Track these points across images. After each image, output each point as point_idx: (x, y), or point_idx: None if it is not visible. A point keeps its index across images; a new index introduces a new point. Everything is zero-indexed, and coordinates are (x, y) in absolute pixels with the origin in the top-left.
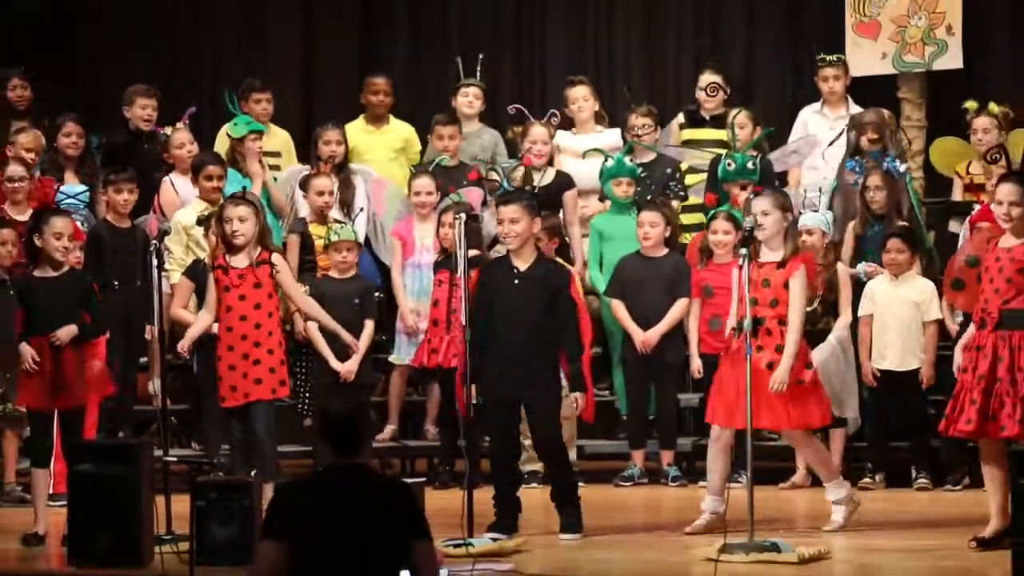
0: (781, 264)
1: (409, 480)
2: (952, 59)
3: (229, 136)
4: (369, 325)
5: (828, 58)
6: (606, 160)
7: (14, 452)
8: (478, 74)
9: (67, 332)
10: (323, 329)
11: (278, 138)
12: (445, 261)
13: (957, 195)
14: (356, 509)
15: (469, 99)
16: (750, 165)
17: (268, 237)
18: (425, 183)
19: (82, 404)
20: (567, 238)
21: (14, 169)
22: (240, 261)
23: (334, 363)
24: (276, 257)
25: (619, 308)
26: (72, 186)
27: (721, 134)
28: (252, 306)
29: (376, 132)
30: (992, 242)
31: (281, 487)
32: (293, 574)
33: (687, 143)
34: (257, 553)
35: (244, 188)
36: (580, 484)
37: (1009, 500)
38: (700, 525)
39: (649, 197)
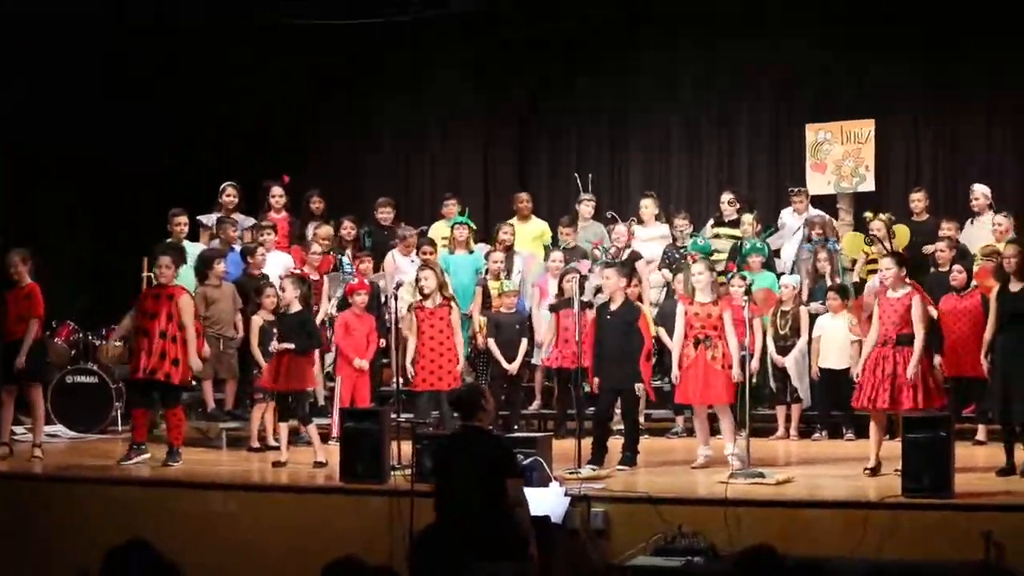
0: (714, 303)
1: (542, 434)
2: (868, 185)
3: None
4: (524, 342)
5: (795, 189)
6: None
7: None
8: (590, 188)
9: None
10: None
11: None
12: (564, 303)
13: (859, 266)
14: (467, 454)
15: (588, 207)
16: (759, 244)
17: (445, 289)
18: (559, 255)
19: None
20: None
21: (315, 248)
22: (430, 303)
23: (505, 364)
24: (453, 304)
25: (663, 332)
26: (347, 258)
27: (734, 231)
28: (438, 331)
29: (522, 226)
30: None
31: (429, 442)
32: (436, 493)
33: (715, 236)
34: None
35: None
36: (644, 435)
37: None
38: (699, 463)
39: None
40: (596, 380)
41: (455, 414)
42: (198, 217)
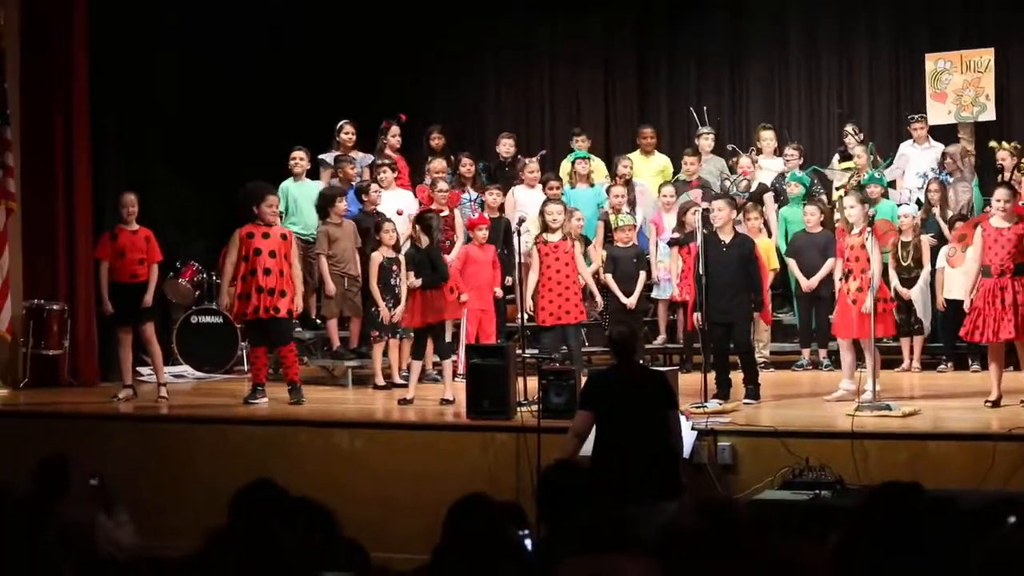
0: (859, 234)
1: (668, 368)
2: (989, 115)
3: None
4: (642, 275)
5: (915, 116)
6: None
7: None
8: (707, 121)
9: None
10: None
11: (596, 163)
12: (687, 237)
13: None
14: (633, 389)
15: (708, 140)
16: (876, 175)
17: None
18: (669, 190)
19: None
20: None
21: (442, 185)
22: (554, 237)
23: (623, 298)
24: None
25: (792, 264)
26: (468, 194)
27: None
28: (563, 264)
29: (646, 160)
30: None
31: (591, 376)
32: (599, 431)
33: (844, 169)
34: (575, 418)
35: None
36: (770, 369)
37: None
38: (836, 396)
39: (809, 195)
40: (697, 315)
41: (613, 352)
42: (320, 156)
